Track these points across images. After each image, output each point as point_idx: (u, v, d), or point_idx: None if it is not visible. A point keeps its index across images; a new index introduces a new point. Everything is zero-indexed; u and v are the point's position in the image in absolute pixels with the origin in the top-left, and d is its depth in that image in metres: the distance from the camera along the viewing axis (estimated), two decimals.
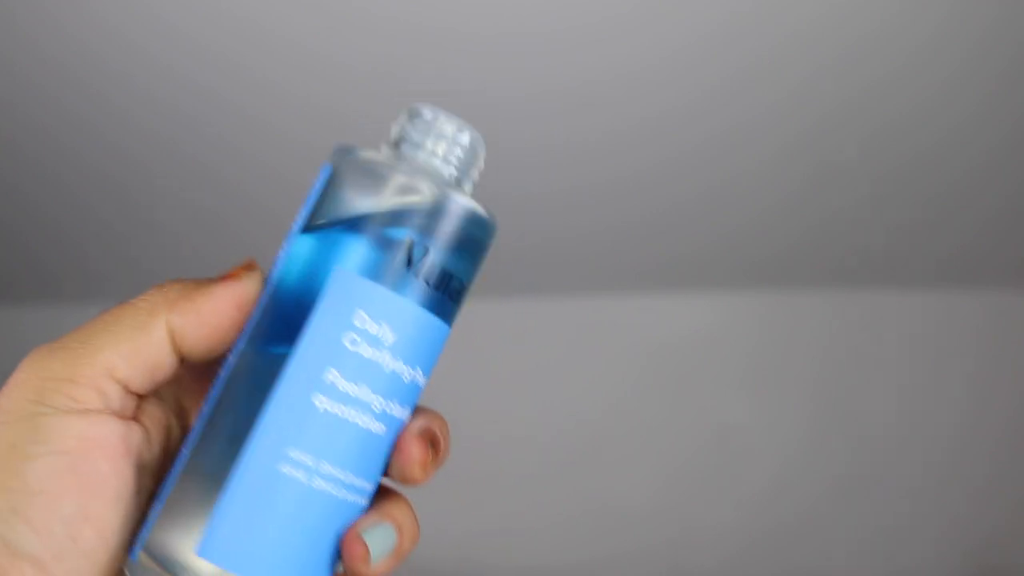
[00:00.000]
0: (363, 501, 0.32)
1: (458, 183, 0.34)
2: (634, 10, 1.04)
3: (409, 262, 0.32)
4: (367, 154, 0.32)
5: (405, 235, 0.32)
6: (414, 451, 0.32)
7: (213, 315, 0.31)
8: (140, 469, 0.31)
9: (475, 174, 0.35)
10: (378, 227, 0.32)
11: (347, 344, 0.31)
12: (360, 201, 0.32)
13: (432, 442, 0.33)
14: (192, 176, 1.28)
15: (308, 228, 0.32)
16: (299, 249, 0.32)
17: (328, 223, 0.32)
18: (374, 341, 0.31)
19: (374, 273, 0.31)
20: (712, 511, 1.49)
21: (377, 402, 0.32)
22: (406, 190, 0.32)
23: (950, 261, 1.43)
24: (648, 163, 1.25)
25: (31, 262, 1.48)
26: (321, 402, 0.31)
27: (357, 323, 0.31)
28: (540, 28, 1.06)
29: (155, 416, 0.33)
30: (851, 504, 1.47)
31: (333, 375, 0.31)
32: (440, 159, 0.33)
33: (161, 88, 1.15)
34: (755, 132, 1.21)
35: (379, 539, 0.32)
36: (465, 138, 0.34)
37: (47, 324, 1.55)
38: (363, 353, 0.31)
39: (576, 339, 1.54)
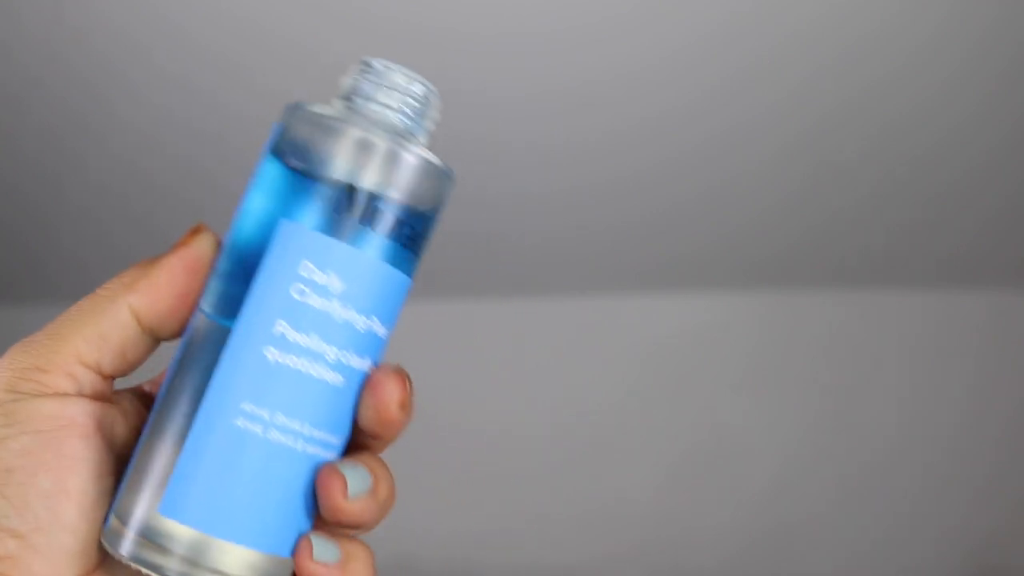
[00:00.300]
0: (330, 454, 0.32)
1: (411, 134, 0.33)
2: (634, 10, 1.04)
3: (355, 211, 0.31)
4: (317, 108, 0.32)
5: (351, 186, 0.31)
6: (390, 387, 0.32)
7: (170, 286, 0.32)
8: (118, 447, 0.32)
9: (430, 125, 0.34)
10: (326, 179, 0.31)
11: (294, 295, 0.31)
12: (310, 155, 0.32)
13: (408, 380, 0.32)
14: (192, 178, 1.29)
15: (256, 186, 0.32)
16: (248, 207, 0.32)
17: (276, 179, 0.32)
18: (321, 291, 0.31)
19: (322, 224, 0.31)
20: (712, 511, 1.49)
21: (331, 352, 0.31)
22: (357, 142, 0.32)
23: (950, 261, 1.43)
24: (648, 163, 1.25)
25: (31, 262, 1.48)
26: (272, 354, 0.31)
27: (303, 273, 0.31)
28: (540, 28, 1.06)
29: (133, 398, 0.33)
30: (851, 504, 1.47)
31: (282, 326, 0.31)
32: (392, 111, 0.33)
33: (162, 92, 1.15)
34: (755, 132, 1.21)
35: (355, 476, 0.31)
36: (417, 88, 0.34)
37: (46, 324, 1.55)
38: (311, 303, 0.31)
39: (576, 339, 1.54)
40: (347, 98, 0.33)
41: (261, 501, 0.31)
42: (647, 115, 1.18)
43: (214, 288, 0.32)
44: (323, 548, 0.31)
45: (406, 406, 0.32)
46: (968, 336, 1.49)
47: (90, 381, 0.31)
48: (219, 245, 0.33)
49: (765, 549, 1.47)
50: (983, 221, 1.35)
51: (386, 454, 0.34)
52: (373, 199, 0.32)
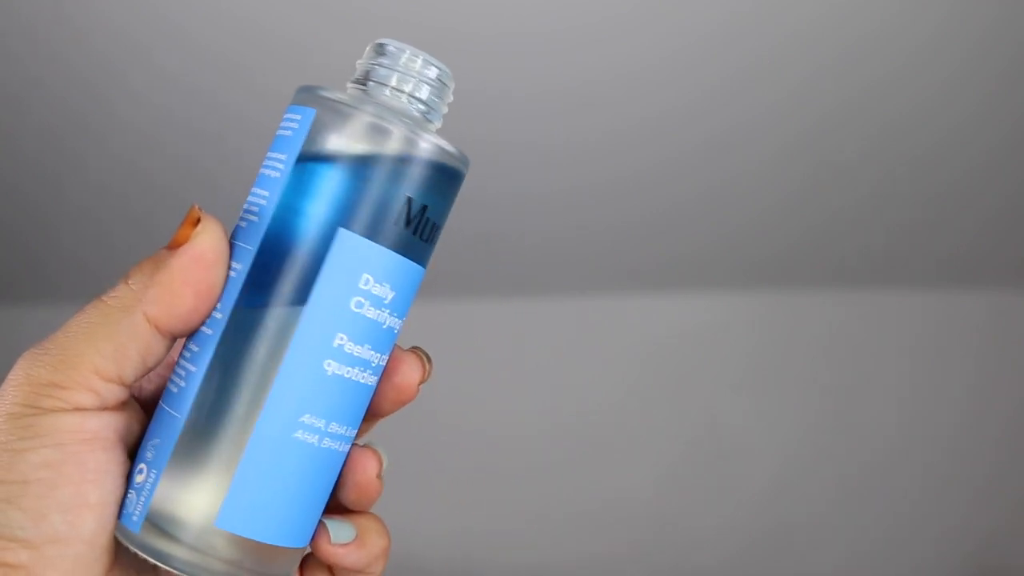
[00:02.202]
0: (349, 447, 0.33)
1: (428, 122, 0.33)
2: (634, 10, 1.04)
3: (407, 221, 0.32)
4: (349, 98, 0.31)
5: (403, 191, 0.31)
6: (412, 370, 0.33)
7: (186, 286, 0.31)
8: (136, 448, 0.32)
9: (445, 109, 0.34)
10: (375, 182, 0.31)
11: (354, 307, 0.31)
12: (349, 152, 0.31)
13: (426, 356, 0.34)
14: (191, 180, 1.29)
15: (296, 179, 0.31)
16: (290, 201, 0.31)
17: (322, 180, 0.31)
18: (377, 302, 0.32)
19: (374, 231, 0.31)
20: (712, 511, 1.49)
21: (376, 358, 0.32)
22: (400, 141, 0.31)
23: (950, 261, 1.43)
24: (648, 163, 1.25)
25: (31, 262, 1.48)
26: (330, 367, 0.31)
27: (363, 286, 0.31)
28: (540, 28, 1.06)
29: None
30: (851, 504, 1.47)
31: (341, 339, 0.31)
32: (424, 104, 0.33)
33: (162, 92, 1.15)
34: (755, 132, 1.21)
35: (383, 454, 0.34)
36: (447, 82, 0.33)
37: (46, 324, 1.55)
38: (367, 315, 0.31)
39: (576, 339, 1.54)
40: (376, 84, 0.33)
41: (310, 503, 0.32)
42: (647, 115, 1.18)
43: (254, 284, 0.31)
44: (339, 530, 0.33)
45: (424, 381, 0.34)
46: (968, 336, 1.49)
47: (113, 393, 0.31)
48: (224, 230, 0.32)
49: (765, 549, 1.47)
50: (983, 221, 1.35)
51: (387, 454, 0.35)
52: (422, 206, 0.32)
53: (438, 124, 0.34)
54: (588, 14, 1.05)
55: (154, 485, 0.30)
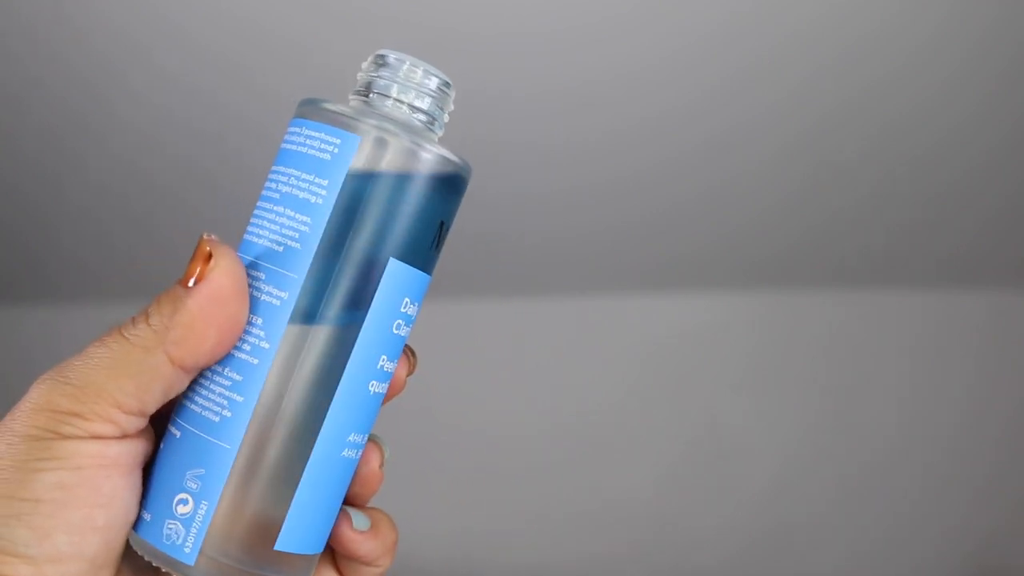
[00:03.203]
0: None
1: (431, 130, 0.34)
2: (634, 10, 1.04)
3: (438, 244, 0.33)
4: (396, 127, 0.32)
5: (439, 217, 0.32)
6: (400, 363, 0.35)
7: (207, 326, 0.30)
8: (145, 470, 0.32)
9: (446, 119, 0.35)
10: (421, 212, 0.32)
11: (394, 330, 0.33)
12: (398, 183, 0.31)
13: (410, 350, 0.35)
14: (191, 180, 1.29)
15: (343, 207, 0.31)
16: (340, 230, 0.31)
17: (370, 206, 0.31)
18: (409, 321, 0.33)
19: (415, 258, 0.32)
20: (712, 511, 1.49)
21: (393, 368, 0.34)
22: (445, 176, 0.32)
23: (950, 261, 1.43)
24: (648, 163, 1.25)
25: (31, 262, 1.48)
26: (373, 386, 0.33)
27: (403, 309, 0.33)
28: (540, 28, 1.06)
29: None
30: (851, 504, 1.47)
31: (383, 360, 0.33)
32: (437, 121, 0.34)
33: (162, 92, 1.15)
34: (755, 132, 1.21)
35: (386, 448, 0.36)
36: (450, 95, 0.34)
37: (46, 324, 1.55)
38: (401, 334, 0.33)
39: (576, 339, 1.54)
40: (423, 116, 0.33)
41: (336, 508, 0.34)
42: (647, 115, 1.18)
43: (304, 305, 0.31)
44: (358, 519, 0.35)
45: (410, 374, 0.36)
46: (968, 336, 1.49)
47: (133, 424, 0.31)
48: (238, 260, 0.31)
49: (765, 549, 1.47)
50: (983, 221, 1.35)
51: (387, 444, 0.37)
52: (447, 227, 0.33)
53: (432, 124, 0.34)
54: (588, 14, 1.04)
55: (207, 516, 0.31)
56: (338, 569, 0.36)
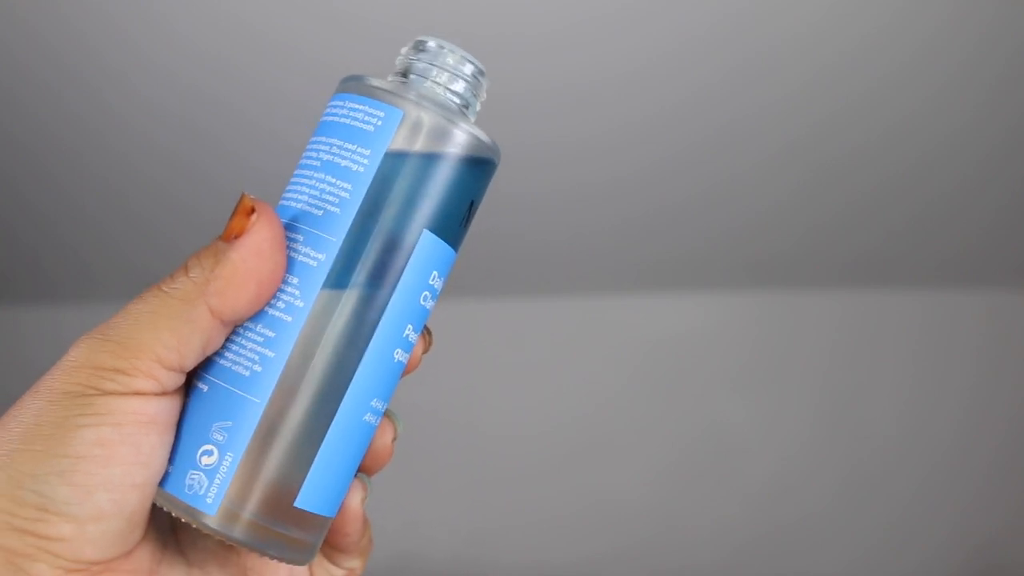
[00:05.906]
0: None
1: (465, 114, 0.35)
2: (632, 9, 1.04)
3: (467, 221, 0.34)
4: (436, 105, 0.33)
5: (470, 196, 0.34)
6: (418, 347, 0.35)
7: (248, 279, 0.31)
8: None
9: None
10: (457, 187, 0.33)
11: (421, 301, 0.33)
12: (437, 157, 0.33)
13: (426, 328, 0.36)
14: (190, 180, 1.29)
15: (384, 177, 0.32)
16: (379, 198, 0.32)
17: (410, 178, 0.33)
18: (435, 294, 0.34)
19: (446, 232, 0.33)
20: (711, 510, 1.49)
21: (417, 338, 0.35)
22: (483, 151, 0.34)
23: (950, 261, 1.43)
24: (648, 162, 1.25)
25: (30, 262, 1.48)
26: (398, 354, 0.33)
27: (431, 282, 0.34)
28: (540, 28, 1.06)
29: None
30: (850, 504, 1.47)
31: (409, 329, 0.33)
32: (471, 106, 0.36)
33: (160, 92, 1.15)
34: (755, 132, 1.21)
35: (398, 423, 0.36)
36: (480, 74, 0.36)
37: (45, 324, 1.55)
38: (427, 306, 0.34)
39: (575, 339, 1.54)
40: (457, 95, 0.35)
41: (353, 471, 0.34)
42: (646, 114, 1.18)
43: (339, 267, 0.32)
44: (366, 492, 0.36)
45: (426, 352, 0.36)
46: (968, 336, 1.49)
47: (173, 380, 0.31)
48: (278, 217, 0.32)
49: (765, 549, 1.47)
50: (983, 221, 1.35)
51: (401, 420, 0.38)
52: (476, 206, 0.34)
53: (466, 108, 0.36)
54: (587, 14, 1.05)
55: (232, 468, 0.31)
56: (310, 570, 0.36)
